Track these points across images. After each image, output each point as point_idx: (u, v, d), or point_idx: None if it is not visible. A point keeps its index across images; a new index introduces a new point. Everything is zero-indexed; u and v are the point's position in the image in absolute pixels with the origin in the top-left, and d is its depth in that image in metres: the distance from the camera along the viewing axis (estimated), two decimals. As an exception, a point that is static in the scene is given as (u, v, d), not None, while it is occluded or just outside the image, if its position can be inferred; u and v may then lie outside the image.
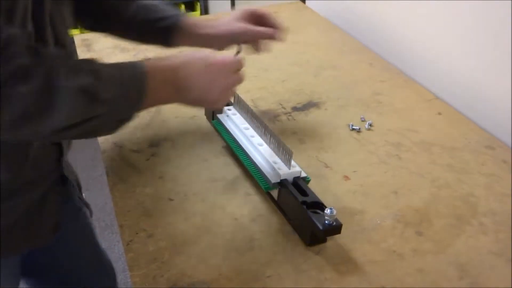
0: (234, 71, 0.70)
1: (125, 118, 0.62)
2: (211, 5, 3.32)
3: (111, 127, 0.63)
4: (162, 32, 0.84)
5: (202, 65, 0.66)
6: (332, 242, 0.71)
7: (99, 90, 0.57)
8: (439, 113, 1.02)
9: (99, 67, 0.59)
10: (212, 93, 0.68)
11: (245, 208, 0.78)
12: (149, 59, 0.65)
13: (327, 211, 0.66)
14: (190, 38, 0.84)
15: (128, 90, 0.61)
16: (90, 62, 0.59)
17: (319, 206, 0.70)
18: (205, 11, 3.36)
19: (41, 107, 0.52)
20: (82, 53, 1.24)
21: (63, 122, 0.54)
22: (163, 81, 0.64)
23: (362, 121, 1.00)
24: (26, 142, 0.64)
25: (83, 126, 0.57)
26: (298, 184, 0.74)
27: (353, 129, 0.97)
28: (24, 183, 0.69)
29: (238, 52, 0.80)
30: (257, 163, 0.79)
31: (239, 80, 0.71)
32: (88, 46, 1.27)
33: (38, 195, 0.73)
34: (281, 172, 0.74)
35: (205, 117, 1.00)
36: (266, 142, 0.81)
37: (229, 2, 2.54)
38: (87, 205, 0.91)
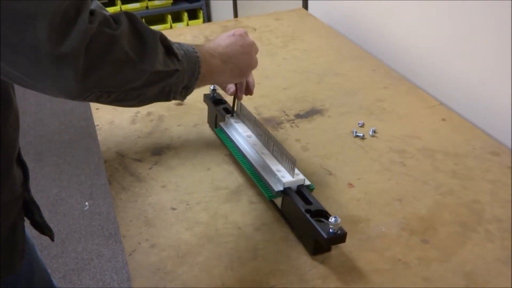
0: (255, 52, 0.84)
1: (190, 85, 0.69)
2: (214, 13, 3.33)
3: (180, 92, 0.68)
4: None
5: (239, 42, 0.79)
6: (336, 250, 0.71)
7: (172, 45, 0.64)
8: (443, 119, 1.02)
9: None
10: (248, 61, 0.81)
11: (248, 217, 0.77)
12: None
13: (332, 219, 0.65)
14: None
15: (187, 55, 0.67)
16: None
17: (323, 214, 0.69)
18: (208, 19, 3.38)
19: (137, 46, 0.58)
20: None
21: (155, 65, 0.60)
22: (210, 54, 0.73)
23: (360, 126, 0.99)
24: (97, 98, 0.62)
25: (166, 81, 0.63)
26: (302, 192, 0.74)
27: (356, 136, 0.96)
28: (1, 208, 0.67)
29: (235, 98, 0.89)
30: (260, 171, 0.78)
31: (256, 59, 0.85)
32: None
33: (11, 221, 0.71)
34: (284, 180, 0.74)
35: (207, 125, 0.99)
36: (269, 150, 0.81)
37: (231, 11, 2.55)
38: (48, 228, 0.84)
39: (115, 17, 0.57)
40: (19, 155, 0.73)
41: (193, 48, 0.70)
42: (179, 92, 0.68)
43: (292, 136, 0.97)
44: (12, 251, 0.73)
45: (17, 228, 0.73)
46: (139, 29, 0.59)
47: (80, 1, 0.50)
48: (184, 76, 0.67)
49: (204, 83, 0.74)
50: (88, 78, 0.52)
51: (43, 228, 0.81)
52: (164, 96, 0.66)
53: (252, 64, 0.82)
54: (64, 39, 0.49)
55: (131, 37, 0.57)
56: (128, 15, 0.59)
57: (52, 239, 0.84)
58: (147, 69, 0.59)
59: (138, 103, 0.64)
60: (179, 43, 0.68)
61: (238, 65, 0.79)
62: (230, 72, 0.78)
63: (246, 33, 0.82)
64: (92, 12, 0.52)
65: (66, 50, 0.49)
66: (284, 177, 0.75)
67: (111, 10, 3.19)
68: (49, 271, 0.93)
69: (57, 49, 0.48)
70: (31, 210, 0.78)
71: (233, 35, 0.80)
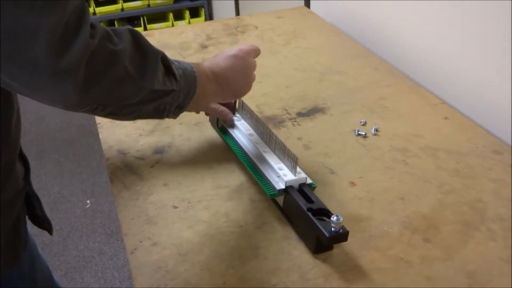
0: (254, 69, 0.83)
1: (183, 105, 0.69)
2: (216, 11, 3.33)
3: (173, 111, 0.69)
4: None
5: (238, 66, 0.78)
6: (338, 249, 0.71)
7: (171, 64, 0.65)
8: (446, 118, 1.01)
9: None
10: (245, 85, 0.81)
11: (250, 216, 0.77)
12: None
13: (334, 218, 0.65)
14: None
15: (185, 75, 0.68)
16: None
17: (325, 213, 0.69)
18: (209, 17, 3.38)
19: (137, 64, 0.58)
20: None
21: (154, 83, 0.60)
22: (206, 76, 0.74)
23: (362, 125, 0.99)
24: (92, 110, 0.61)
25: (162, 99, 0.64)
26: (304, 191, 0.74)
27: (359, 135, 0.96)
28: (5, 202, 0.68)
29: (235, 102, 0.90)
30: (262, 169, 0.78)
31: (254, 77, 0.84)
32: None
33: (15, 215, 0.71)
34: (286, 179, 0.74)
35: (209, 123, 0.99)
36: (271, 148, 0.81)
37: (233, 9, 2.55)
38: (48, 222, 0.84)
39: (117, 32, 0.57)
40: (20, 150, 0.73)
41: (192, 67, 0.70)
42: (173, 111, 0.68)
43: (294, 135, 0.97)
44: (16, 243, 0.73)
45: (20, 220, 0.73)
46: (142, 46, 0.59)
47: (80, 14, 0.50)
48: (180, 95, 0.67)
49: (196, 104, 0.74)
50: (87, 92, 0.52)
51: (43, 222, 0.82)
52: (159, 114, 0.67)
53: (249, 85, 0.82)
54: (65, 53, 0.48)
55: (133, 54, 0.57)
56: (132, 32, 0.59)
57: (51, 233, 0.85)
58: (146, 87, 0.59)
59: (132, 118, 0.65)
60: (178, 62, 0.68)
61: (234, 88, 0.80)
62: (224, 93, 0.79)
63: (251, 52, 0.80)
64: (93, 26, 0.52)
65: (67, 64, 0.48)
66: (286, 175, 0.75)
67: (112, 8, 3.18)
68: (51, 269, 0.94)
69: (57, 63, 0.48)
70: (32, 203, 0.78)
71: (235, 55, 0.78)
